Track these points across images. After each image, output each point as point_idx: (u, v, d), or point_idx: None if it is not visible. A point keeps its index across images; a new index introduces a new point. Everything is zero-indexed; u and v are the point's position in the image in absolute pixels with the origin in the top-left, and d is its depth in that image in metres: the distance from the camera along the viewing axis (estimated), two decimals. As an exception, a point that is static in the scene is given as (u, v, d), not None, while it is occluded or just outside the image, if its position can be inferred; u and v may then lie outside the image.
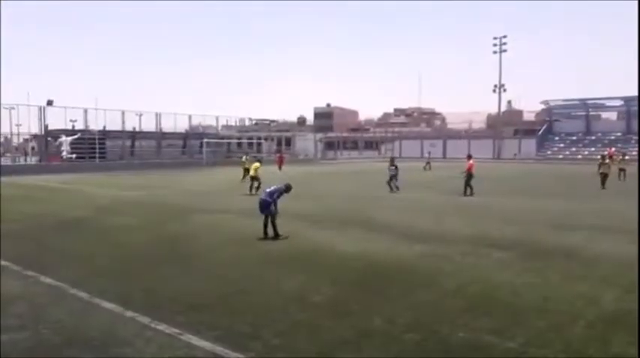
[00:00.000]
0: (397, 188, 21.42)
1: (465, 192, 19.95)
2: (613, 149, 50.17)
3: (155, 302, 6.49)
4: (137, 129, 49.24)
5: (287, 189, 11.19)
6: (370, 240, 10.76)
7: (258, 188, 19.67)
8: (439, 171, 37.25)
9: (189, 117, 52.67)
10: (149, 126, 49.36)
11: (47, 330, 5.51)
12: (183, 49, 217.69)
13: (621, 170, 28.07)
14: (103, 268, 8.41)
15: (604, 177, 23.38)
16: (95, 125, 44.10)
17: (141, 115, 49.25)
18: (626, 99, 65.99)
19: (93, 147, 41.26)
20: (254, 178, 20.78)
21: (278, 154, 44.65)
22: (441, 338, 5.30)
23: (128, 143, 47.95)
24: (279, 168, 37.67)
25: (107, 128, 44.97)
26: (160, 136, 49.84)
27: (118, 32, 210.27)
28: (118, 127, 45.70)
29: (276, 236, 10.65)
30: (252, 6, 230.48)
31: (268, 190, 10.98)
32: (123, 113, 45.71)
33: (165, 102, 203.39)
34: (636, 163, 34.29)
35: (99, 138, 42.06)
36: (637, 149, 53.85)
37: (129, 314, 6.02)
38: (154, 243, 10.64)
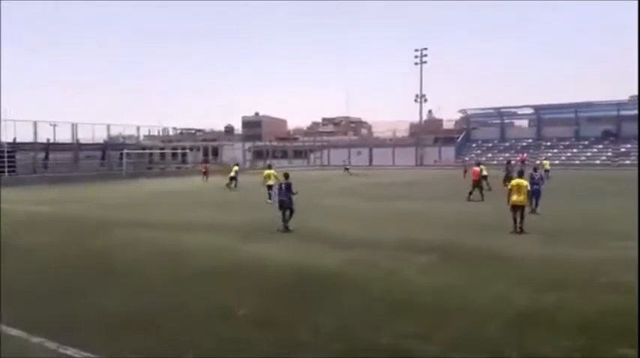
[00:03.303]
0: None
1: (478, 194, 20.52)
2: (525, 154, 53.73)
3: (68, 326, 6.05)
4: (51, 141, 46.38)
5: (286, 176, 13.31)
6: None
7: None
8: (362, 179, 38.03)
9: (108, 126, 50.44)
10: (65, 137, 46.73)
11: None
12: (101, 55, 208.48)
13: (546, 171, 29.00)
14: (12, 291, 7.74)
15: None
16: (4, 137, 41.10)
17: (55, 126, 46.52)
18: (537, 108, 71.09)
19: (2, 161, 38.31)
20: (271, 187, 19.88)
21: (203, 164, 43.96)
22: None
23: (41, 155, 44.98)
24: (206, 178, 36.93)
25: (17, 140, 42.00)
26: (76, 147, 47.20)
27: (32, 37, 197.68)
28: (29, 139, 42.79)
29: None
30: (179, 7, 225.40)
31: (282, 190, 12.71)
32: (35, 123, 42.90)
33: (81, 112, 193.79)
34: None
35: (8, 151, 39.13)
36: (546, 155, 57.81)
37: (35, 340, 5.59)
38: (72, 261, 9.99)
